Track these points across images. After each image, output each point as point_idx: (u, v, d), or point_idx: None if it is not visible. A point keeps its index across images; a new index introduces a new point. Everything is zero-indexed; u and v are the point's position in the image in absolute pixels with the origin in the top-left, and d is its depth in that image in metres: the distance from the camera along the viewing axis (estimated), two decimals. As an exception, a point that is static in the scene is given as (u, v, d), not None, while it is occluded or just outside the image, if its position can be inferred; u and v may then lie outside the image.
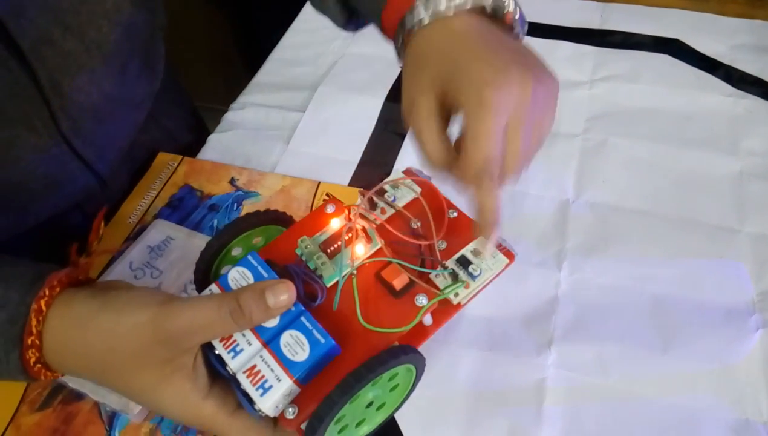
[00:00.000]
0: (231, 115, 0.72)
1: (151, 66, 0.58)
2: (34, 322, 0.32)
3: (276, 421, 0.33)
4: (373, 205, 0.38)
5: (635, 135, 0.64)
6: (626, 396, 0.46)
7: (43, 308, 0.33)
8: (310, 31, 0.82)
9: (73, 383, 0.46)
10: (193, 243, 0.56)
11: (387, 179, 0.39)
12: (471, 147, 0.32)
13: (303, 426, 0.31)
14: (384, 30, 0.42)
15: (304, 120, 0.69)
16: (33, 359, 0.33)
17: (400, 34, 0.38)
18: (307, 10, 0.84)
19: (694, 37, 0.74)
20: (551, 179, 0.61)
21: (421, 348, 0.34)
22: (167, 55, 0.63)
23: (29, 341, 0.32)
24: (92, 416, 0.47)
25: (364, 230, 0.36)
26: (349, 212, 0.37)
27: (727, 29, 0.75)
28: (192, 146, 0.69)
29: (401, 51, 0.39)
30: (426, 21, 0.36)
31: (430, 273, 0.35)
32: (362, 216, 0.37)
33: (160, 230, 0.57)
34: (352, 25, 0.49)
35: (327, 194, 0.40)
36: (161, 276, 0.54)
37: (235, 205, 0.60)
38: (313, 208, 0.55)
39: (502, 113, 0.32)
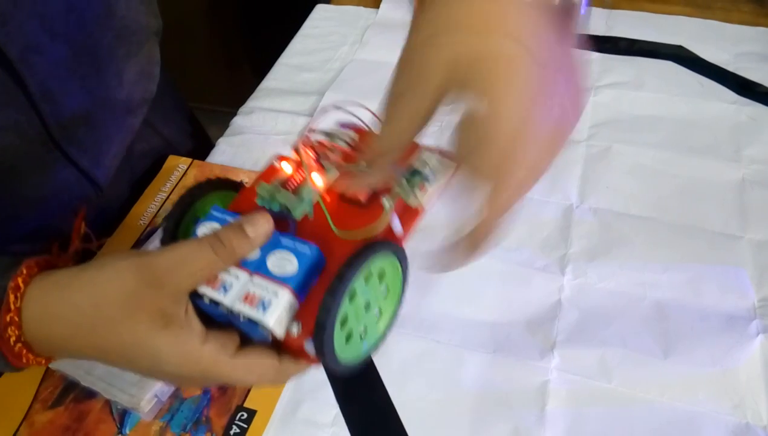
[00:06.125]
0: (240, 120, 0.73)
1: (147, 71, 0.57)
2: (12, 298, 0.31)
3: (280, 352, 0.33)
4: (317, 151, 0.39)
5: (639, 142, 0.65)
6: (628, 399, 0.47)
7: (21, 285, 0.32)
8: (318, 37, 0.83)
9: (85, 381, 0.47)
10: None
11: (317, 119, 0.40)
12: (488, 213, 0.30)
13: (309, 350, 0.30)
14: None
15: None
16: (13, 338, 0.31)
17: None
18: (315, 16, 0.85)
19: (699, 44, 0.75)
20: (555, 185, 0.62)
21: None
22: (167, 60, 0.62)
23: (8, 318, 0.31)
24: (103, 415, 0.48)
25: (317, 161, 0.37)
26: (297, 152, 0.38)
27: (732, 37, 0.76)
28: (191, 154, 0.68)
29: None
30: None
31: (390, 181, 0.36)
32: (311, 147, 0.38)
33: (170, 232, 0.58)
34: None
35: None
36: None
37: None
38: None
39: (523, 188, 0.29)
